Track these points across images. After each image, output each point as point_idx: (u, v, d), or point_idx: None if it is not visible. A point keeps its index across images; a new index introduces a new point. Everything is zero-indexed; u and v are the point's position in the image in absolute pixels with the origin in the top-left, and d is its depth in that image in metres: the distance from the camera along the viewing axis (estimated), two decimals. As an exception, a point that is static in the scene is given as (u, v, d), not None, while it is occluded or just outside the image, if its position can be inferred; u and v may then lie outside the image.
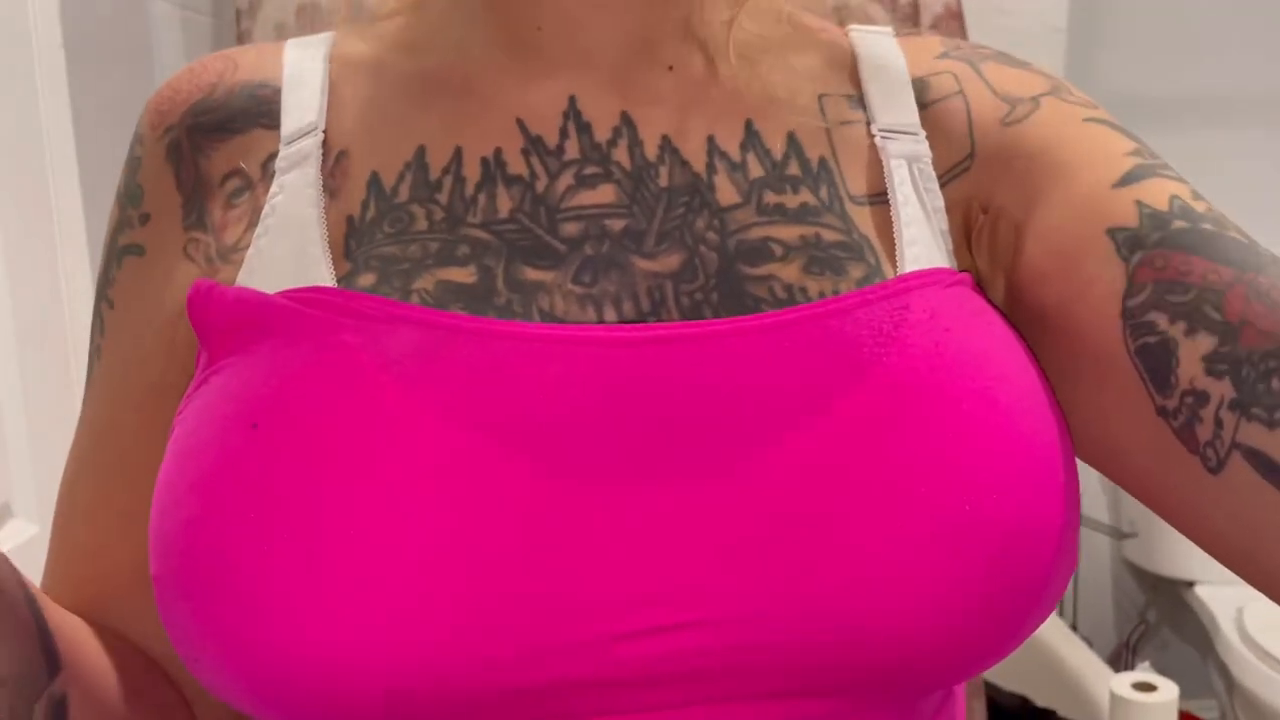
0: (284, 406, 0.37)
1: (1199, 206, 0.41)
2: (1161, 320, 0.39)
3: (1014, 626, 0.39)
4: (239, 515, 0.36)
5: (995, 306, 0.44)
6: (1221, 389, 0.37)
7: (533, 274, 0.41)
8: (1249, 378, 0.37)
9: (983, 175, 0.45)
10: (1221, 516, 0.38)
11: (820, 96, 0.46)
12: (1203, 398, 0.38)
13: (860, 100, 0.46)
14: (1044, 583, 0.38)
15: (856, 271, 0.41)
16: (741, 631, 0.36)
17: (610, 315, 0.40)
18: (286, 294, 0.40)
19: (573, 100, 0.44)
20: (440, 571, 0.35)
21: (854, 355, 0.38)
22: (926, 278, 0.41)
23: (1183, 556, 1.84)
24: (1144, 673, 1.55)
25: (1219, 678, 1.87)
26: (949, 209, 0.45)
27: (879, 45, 0.48)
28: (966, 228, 0.45)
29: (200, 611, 0.37)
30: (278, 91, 0.46)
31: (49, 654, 0.38)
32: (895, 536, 0.36)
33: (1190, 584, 1.90)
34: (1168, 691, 1.49)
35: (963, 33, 1.37)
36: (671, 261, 0.41)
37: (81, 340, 1.05)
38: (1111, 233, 0.41)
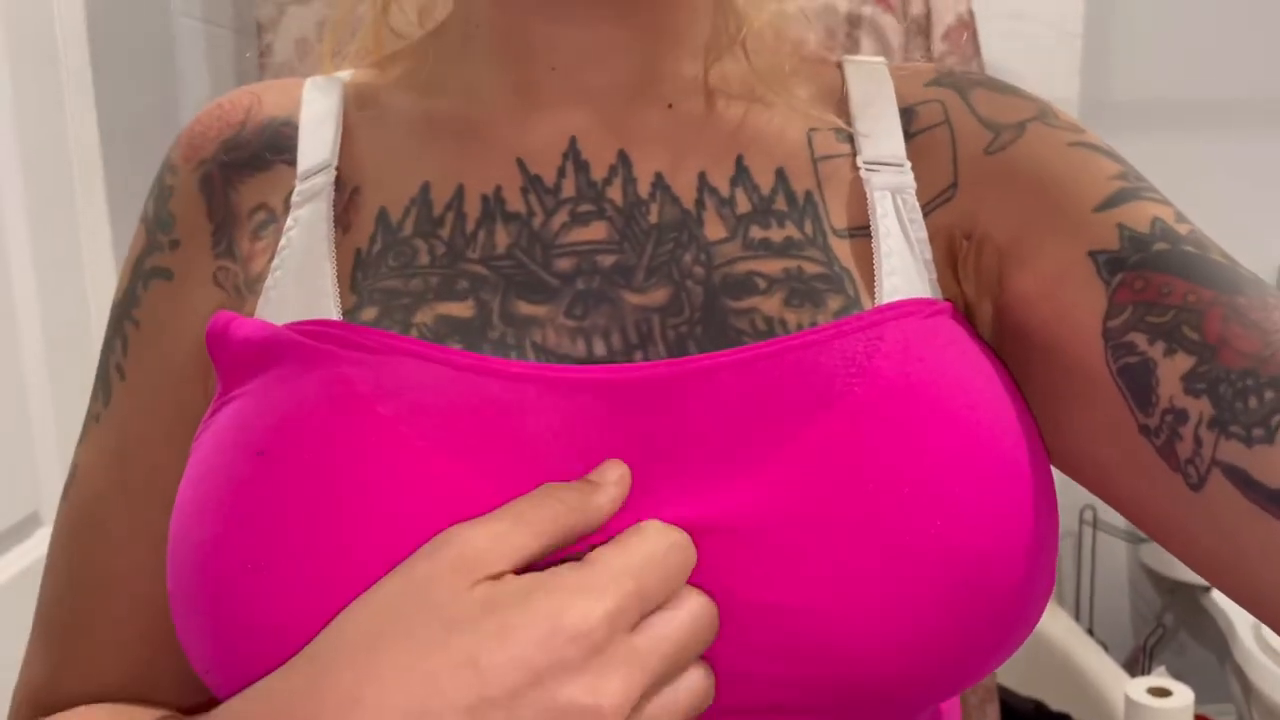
0: (288, 435, 0.39)
1: (1181, 229, 0.42)
2: (1141, 341, 0.40)
3: (982, 650, 0.40)
4: (244, 539, 0.38)
5: (977, 335, 0.45)
6: (1200, 407, 0.38)
7: (526, 308, 0.43)
8: (1227, 396, 0.38)
9: (965, 203, 0.46)
10: (1204, 532, 0.38)
11: (810, 131, 0.47)
12: (1182, 416, 0.38)
13: (848, 133, 0.47)
14: (1013, 606, 0.39)
15: (835, 303, 0.42)
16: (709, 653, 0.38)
17: (599, 348, 0.42)
18: (294, 326, 0.42)
19: (573, 140, 0.46)
20: None
21: (824, 386, 0.39)
22: (904, 308, 0.42)
23: (1200, 561, 1.85)
24: (1160, 678, 1.56)
25: (1236, 682, 1.86)
26: (932, 238, 0.46)
27: (870, 76, 0.49)
28: (951, 256, 0.46)
29: (209, 629, 0.39)
30: (296, 129, 0.49)
31: None
32: (853, 562, 0.37)
33: (1207, 588, 1.89)
34: (1183, 696, 1.50)
35: (974, 42, 1.37)
36: (659, 296, 0.43)
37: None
38: (1093, 255, 0.42)
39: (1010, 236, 0.44)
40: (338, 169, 0.47)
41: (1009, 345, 0.44)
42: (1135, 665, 1.95)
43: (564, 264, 0.44)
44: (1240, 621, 1.77)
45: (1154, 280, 0.40)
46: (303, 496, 0.38)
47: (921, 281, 0.45)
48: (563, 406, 0.39)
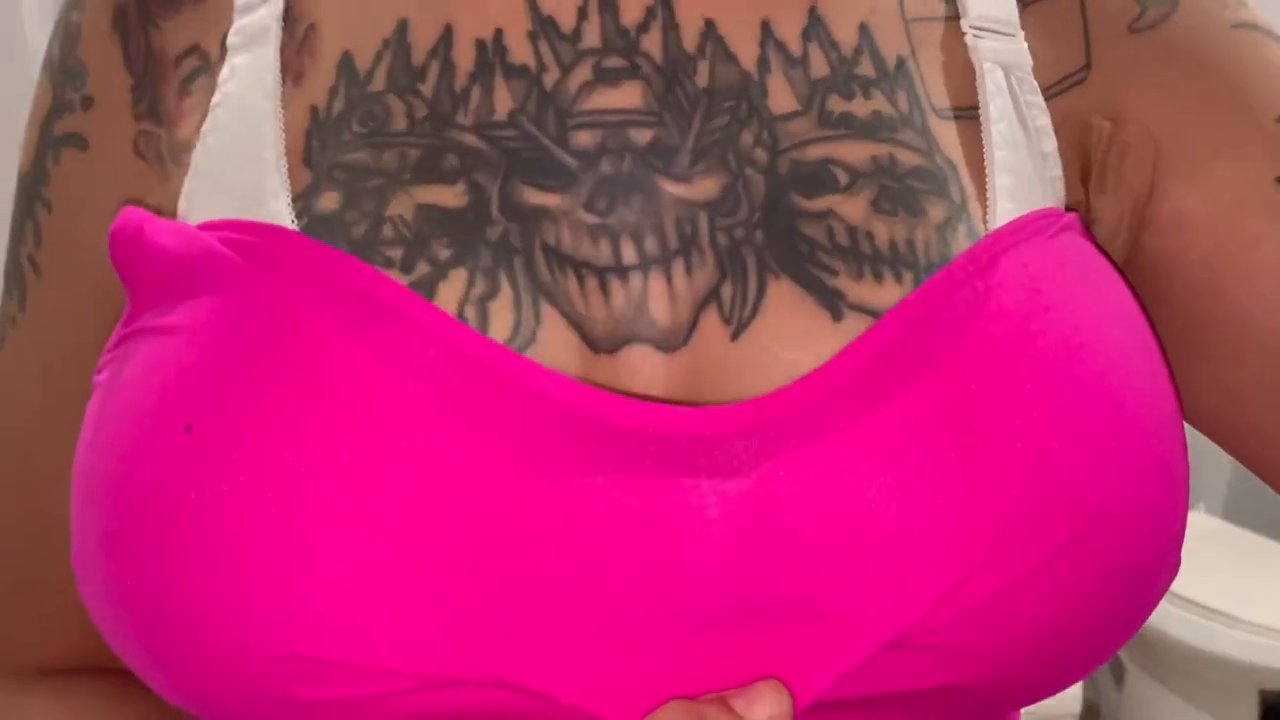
0: (224, 408, 0.30)
1: None
2: None
3: (1107, 651, 0.34)
4: (166, 534, 0.30)
5: (1105, 253, 0.37)
6: None
7: (535, 196, 0.33)
8: None
9: (1104, 90, 0.37)
10: None
11: None
12: None
13: None
14: (1148, 599, 0.34)
15: (937, 212, 0.33)
16: (777, 630, 0.30)
17: (628, 253, 0.32)
18: (230, 233, 0.32)
19: None
20: (408, 625, 0.29)
21: (925, 351, 0.31)
22: (1024, 227, 0.34)
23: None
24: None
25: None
26: (1058, 127, 0.37)
27: None
28: (1081, 150, 0.38)
29: (126, 631, 0.31)
30: None
31: None
32: (979, 587, 0.30)
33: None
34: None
35: None
36: (708, 186, 0.33)
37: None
38: None
39: (1175, 139, 0.36)
40: (288, 1, 0.36)
41: (1146, 271, 0.37)
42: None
43: (584, 138, 0.34)
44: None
45: None
46: (242, 488, 0.29)
47: (1041, 181, 0.36)
48: (592, 453, 0.30)
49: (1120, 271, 0.37)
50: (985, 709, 0.34)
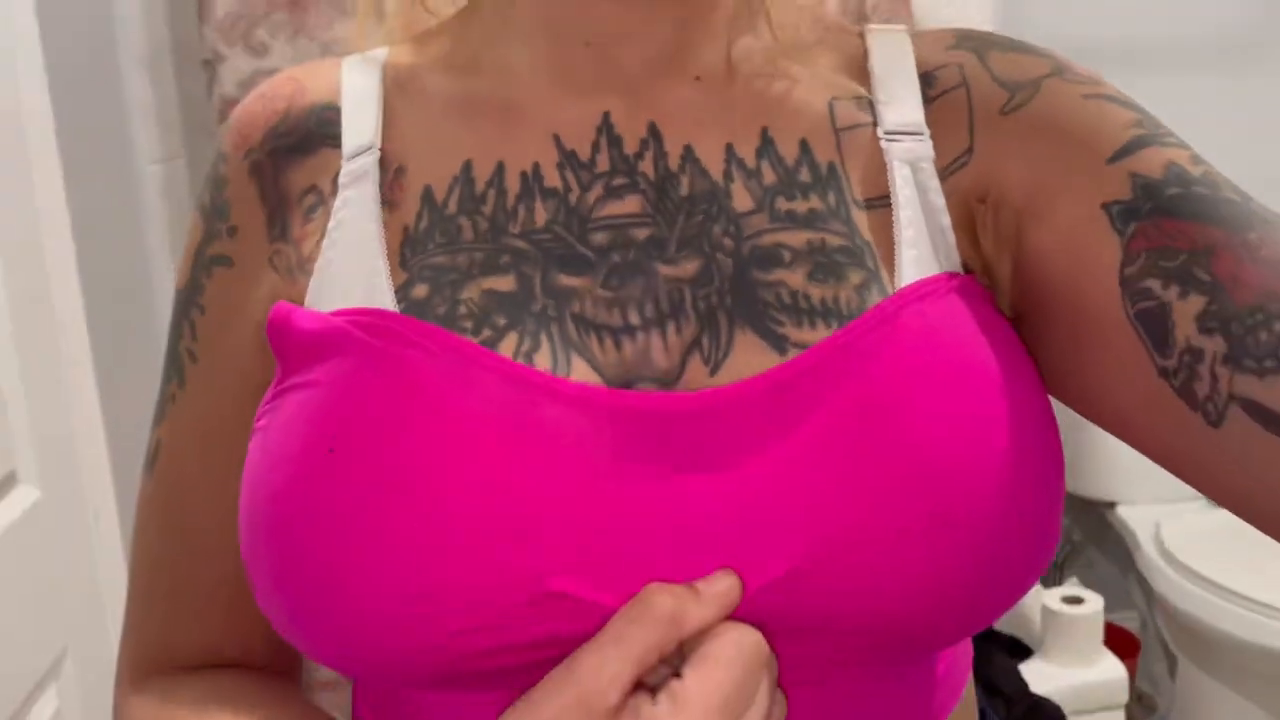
0: (357, 434, 0.42)
1: (1196, 171, 0.43)
2: (1156, 285, 0.41)
3: (981, 609, 0.44)
4: (312, 532, 0.42)
5: (992, 301, 0.47)
6: (1214, 345, 0.39)
7: (566, 280, 0.45)
8: (1238, 332, 0.39)
9: (981, 167, 0.47)
10: (1225, 467, 0.40)
11: (832, 100, 0.49)
12: (1198, 355, 0.40)
13: (870, 103, 0.49)
14: (1014, 571, 0.43)
15: (855, 277, 0.44)
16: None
17: (634, 317, 0.44)
18: (354, 317, 0.45)
19: (606, 116, 0.48)
20: (503, 594, 0.41)
21: (837, 379, 0.42)
22: (923, 288, 0.44)
23: (1104, 479, 1.93)
24: (1072, 587, 1.67)
25: (1139, 590, 1.99)
26: (950, 204, 0.47)
27: (891, 44, 0.51)
28: (968, 220, 0.47)
29: (279, 599, 0.44)
30: (339, 112, 0.51)
31: None
32: (862, 533, 0.41)
33: (1112, 504, 2.01)
34: (1094, 603, 1.61)
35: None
36: (690, 267, 0.45)
37: (67, 316, 1.09)
38: (1106, 207, 0.43)
39: (1026, 195, 0.45)
40: (382, 150, 0.49)
41: (1032, 297, 0.46)
42: (1048, 579, 2.07)
43: (600, 238, 0.46)
44: (1143, 533, 1.87)
45: (1166, 226, 0.42)
46: (370, 493, 0.41)
47: (940, 251, 0.46)
48: (607, 431, 0.42)
49: (1006, 317, 0.47)
50: (899, 646, 0.44)
